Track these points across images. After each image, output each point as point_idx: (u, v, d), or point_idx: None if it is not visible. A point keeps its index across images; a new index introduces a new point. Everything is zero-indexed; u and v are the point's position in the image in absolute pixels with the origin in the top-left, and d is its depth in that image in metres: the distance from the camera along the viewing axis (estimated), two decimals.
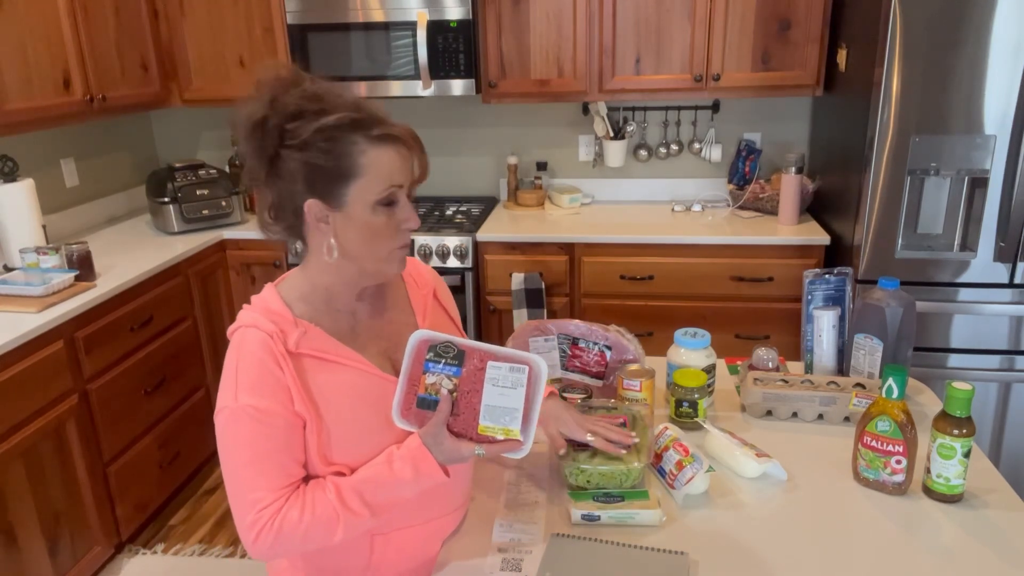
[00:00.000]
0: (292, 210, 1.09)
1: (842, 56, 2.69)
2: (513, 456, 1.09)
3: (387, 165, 1.06)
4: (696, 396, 1.47)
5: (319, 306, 1.15)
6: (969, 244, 2.44)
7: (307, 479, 1.11)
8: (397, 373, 1.13)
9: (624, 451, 1.27)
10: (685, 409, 1.48)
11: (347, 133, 1.04)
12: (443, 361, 1.08)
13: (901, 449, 1.25)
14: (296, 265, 1.24)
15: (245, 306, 1.15)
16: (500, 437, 1.07)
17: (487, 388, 1.07)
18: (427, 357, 1.08)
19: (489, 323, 3.02)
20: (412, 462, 1.08)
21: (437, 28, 2.86)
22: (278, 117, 1.04)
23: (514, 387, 1.07)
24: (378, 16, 2.89)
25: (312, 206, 1.07)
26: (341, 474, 1.11)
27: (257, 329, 1.09)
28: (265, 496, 1.06)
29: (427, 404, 1.08)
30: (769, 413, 1.56)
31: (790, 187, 2.86)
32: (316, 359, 1.11)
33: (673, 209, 3.20)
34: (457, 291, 2.94)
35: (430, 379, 1.08)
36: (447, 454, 1.08)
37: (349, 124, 1.04)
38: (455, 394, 1.08)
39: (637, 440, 1.29)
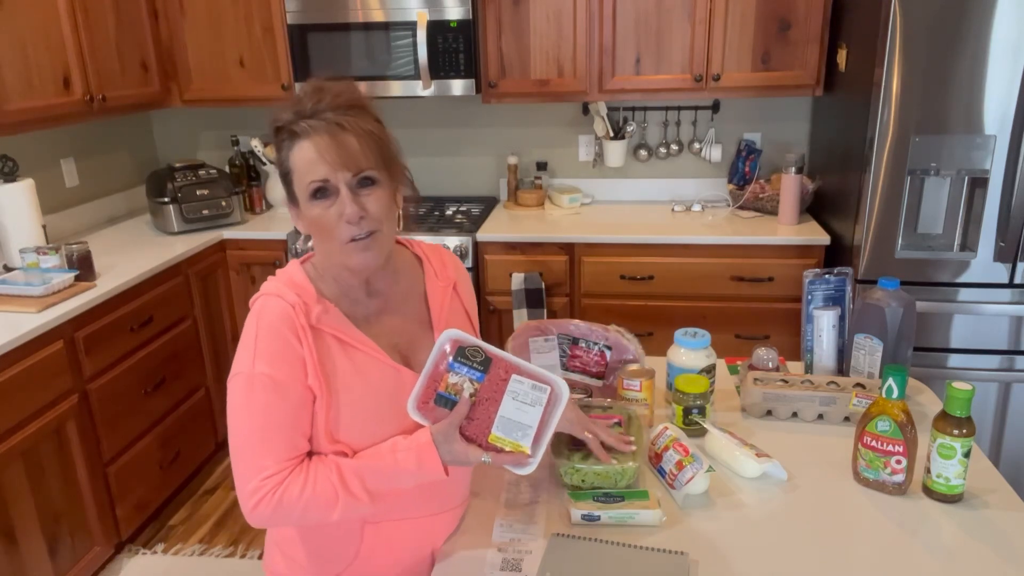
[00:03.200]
0: None
1: (842, 56, 2.69)
2: (518, 471, 1.10)
3: (304, 160, 1.08)
4: (702, 402, 1.47)
5: (335, 290, 1.17)
6: (969, 244, 2.44)
7: (311, 455, 1.13)
8: (406, 364, 1.17)
9: (613, 461, 1.26)
10: (694, 416, 1.47)
11: (284, 133, 1.10)
12: (469, 364, 1.09)
13: (901, 449, 1.25)
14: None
15: (270, 277, 1.18)
16: (508, 449, 1.08)
17: (506, 400, 1.08)
18: (453, 357, 1.09)
19: (489, 323, 3.02)
20: (417, 455, 1.09)
21: (437, 28, 2.86)
22: (271, 125, 1.14)
23: (533, 404, 1.08)
24: (378, 16, 2.89)
25: (285, 199, 1.15)
26: (344, 454, 1.12)
27: (280, 299, 1.11)
28: (270, 465, 1.08)
29: (445, 403, 1.09)
30: (769, 413, 1.56)
31: (790, 187, 2.86)
32: (333, 338, 1.13)
33: (673, 209, 3.20)
34: None
35: (452, 379, 1.09)
36: (454, 455, 1.09)
37: (287, 125, 1.09)
38: (474, 398, 1.08)
39: (634, 448, 1.29)
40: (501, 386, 1.09)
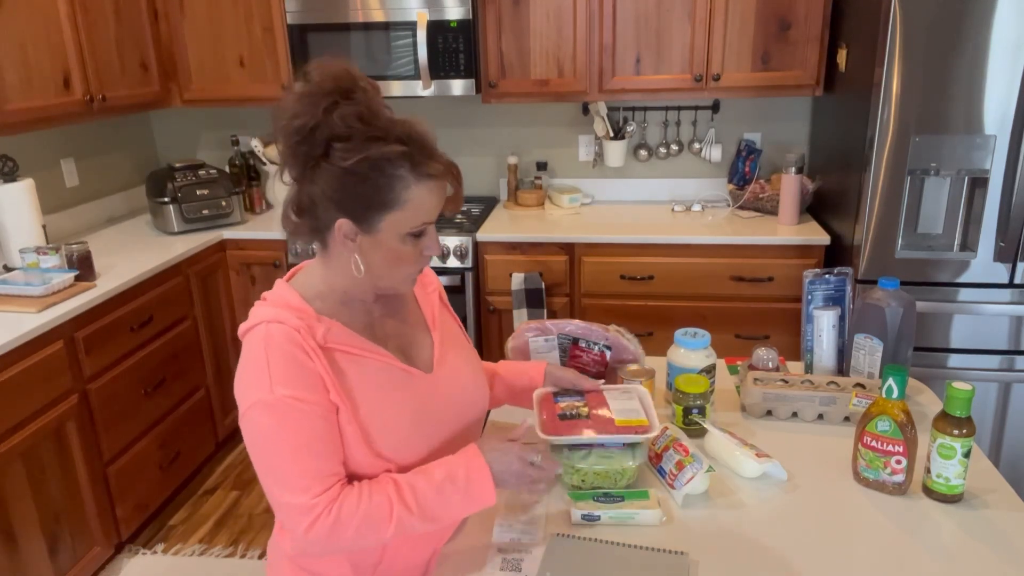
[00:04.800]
0: (321, 217, 1.09)
1: (842, 56, 2.69)
2: (644, 439, 1.27)
3: (427, 202, 1.08)
4: (702, 402, 1.47)
5: (335, 304, 1.15)
6: (969, 244, 2.44)
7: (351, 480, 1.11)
8: (413, 366, 1.18)
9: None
10: (694, 416, 1.47)
11: (395, 167, 1.04)
12: (568, 394, 1.37)
13: (901, 449, 1.25)
14: (295, 265, 1.25)
15: (259, 303, 1.14)
16: (635, 424, 1.27)
17: (611, 403, 1.33)
18: (554, 395, 1.37)
19: (489, 323, 3.02)
20: (465, 466, 1.11)
21: (437, 28, 2.86)
22: (327, 131, 1.03)
23: (630, 398, 1.36)
24: (378, 16, 2.89)
25: (343, 225, 1.07)
26: (388, 470, 1.12)
27: (283, 324, 1.08)
28: (316, 484, 1.05)
29: (567, 417, 1.30)
30: (769, 413, 1.56)
31: (790, 187, 2.86)
32: (344, 353, 1.12)
33: (673, 209, 3.20)
34: (457, 291, 2.94)
35: (563, 402, 1.33)
36: (499, 452, 1.13)
37: (398, 157, 1.04)
38: (587, 409, 1.32)
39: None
40: (601, 397, 1.36)
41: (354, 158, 1.03)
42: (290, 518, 1.05)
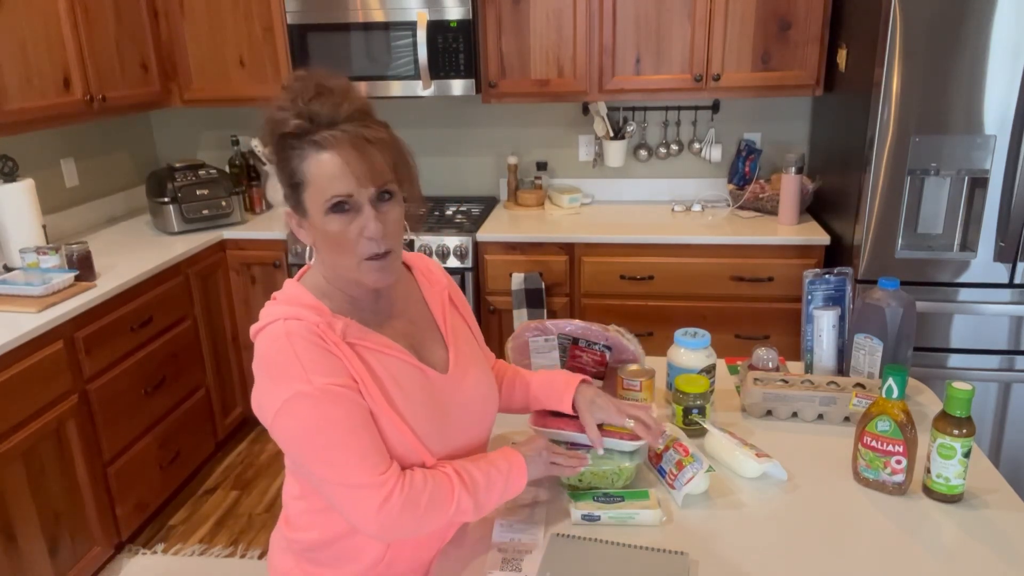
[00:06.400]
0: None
1: (842, 56, 2.70)
2: (633, 447, 1.29)
3: (326, 173, 1.03)
4: (702, 402, 1.47)
5: (343, 303, 1.15)
6: (969, 244, 2.44)
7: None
8: (423, 362, 1.18)
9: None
10: (694, 416, 1.47)
11: (297, 141, 1.05)
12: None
13: (901, 449, 1.25)
14: (299, 265, 1.25)
15: (270, 302, 1.14)
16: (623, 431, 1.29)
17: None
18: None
19: (489, 323, 3.02)
20: (504, 456, 1.18)
21: (437, 28, 2.86)
22: (273, 129, 1.08)
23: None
24: (378, 16, 2.89)
25: (286, 214, 1.12)
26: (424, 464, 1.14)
27: (301, 321, 1.08)
28: (380, 461, 1.06)
29: (559, 414, 1.34)
30: (769, 413, 1.56)
31: (790, 187, 2.86)
32: (364, 347, 1.11)
33: (673, 209, 3.20)
34: None
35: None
36: (526, 447, 1.22)
37: (298, 132, 1.04)
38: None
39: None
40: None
41: (274, 143, 1.07)
42: (360, 500, 1.04)
